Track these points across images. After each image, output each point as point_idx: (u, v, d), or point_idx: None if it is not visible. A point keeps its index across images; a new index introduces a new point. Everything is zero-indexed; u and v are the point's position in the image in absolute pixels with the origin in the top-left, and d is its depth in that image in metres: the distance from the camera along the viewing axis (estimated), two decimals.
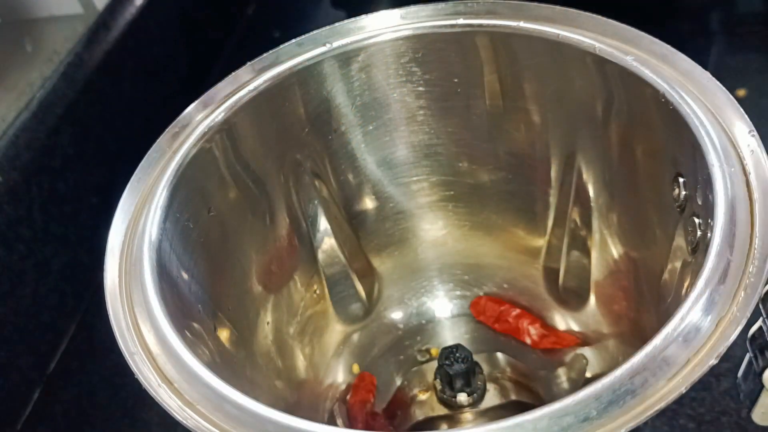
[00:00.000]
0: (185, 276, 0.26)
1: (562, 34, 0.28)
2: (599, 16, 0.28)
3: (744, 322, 0.20)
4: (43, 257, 0.40)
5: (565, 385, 0.33)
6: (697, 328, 0.19)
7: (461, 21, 0.30)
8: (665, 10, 0.53)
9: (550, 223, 0.34)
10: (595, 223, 0.31)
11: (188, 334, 0.24)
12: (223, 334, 0.28)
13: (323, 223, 0.34)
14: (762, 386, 0.26)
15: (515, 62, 0.30)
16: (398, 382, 0.35)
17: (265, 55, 0.30)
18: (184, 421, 0.20)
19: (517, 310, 0.35)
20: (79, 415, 0.39)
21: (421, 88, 0.32)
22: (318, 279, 0.35)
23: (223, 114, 0.28)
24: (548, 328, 0.35)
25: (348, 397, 0.34)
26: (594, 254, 0.32)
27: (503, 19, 0.29)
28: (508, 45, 0.29)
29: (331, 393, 0.34)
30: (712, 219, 0.22)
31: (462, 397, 0.31)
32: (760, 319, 0.26)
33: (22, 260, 0.39)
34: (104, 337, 0.23)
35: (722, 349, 0.19)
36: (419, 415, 0.32)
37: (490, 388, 0.32)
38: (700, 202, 0.24)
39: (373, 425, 0.32)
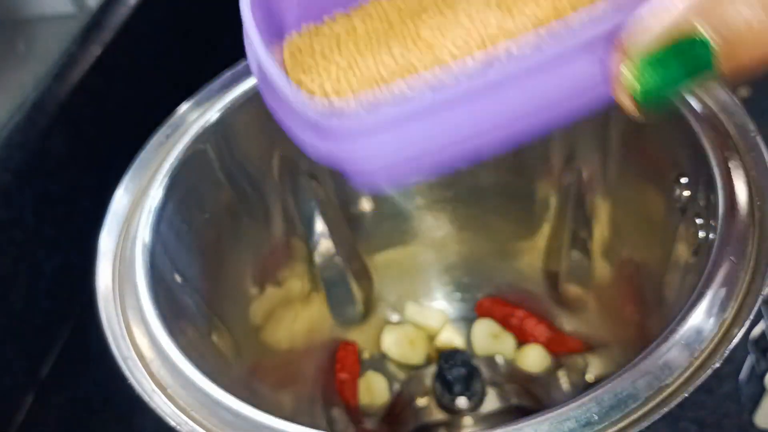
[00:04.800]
0: (179, 279, 0.26)
1: None
2: None
3: (746, 324, 0.19)
4: (36, 260, 0.40)
5: (566, 388, 0.32)
6: (700, 331, 0.19)
7: None
8: None
9: (550, 224, 0.34)
10: (596, 225, 0.31)
11: (182, 338, 0.23)
12: (218, 339, 0.28)
13: (320, 225, 0.33)
14: (764, 389, 0.25)
15: None
16: (396, 386, 0.35)
17: None
18: (179, 427, 0.20)
19: (522, 312, 0.35)
20: (73, 421, 0.38)
21: None
22: (314, 281, 0.35)
23: (217, 114, 0.28)
24: (554, 330, 0.35)
25: (338, 373, 0.34)
26: (594, 256, 0.32)
27: None
28: None
29: (325, 390, 0.34)
30: (714, 220, 0.22)
31: (461, 402, 0.31)
32: (762, 321, 0.25)
33: (14, 263, 0.38)
34: (98, 342, 0.23)
35: (725, 352, 0.19)
36: (418, 420, 0.32)
37: (490, 392, 0.32)
38: (702, 204, 0.24)
39: None
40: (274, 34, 0.19)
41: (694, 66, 0.14)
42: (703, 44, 0.14)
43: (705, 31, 0.14)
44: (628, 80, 0.15)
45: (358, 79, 0.17)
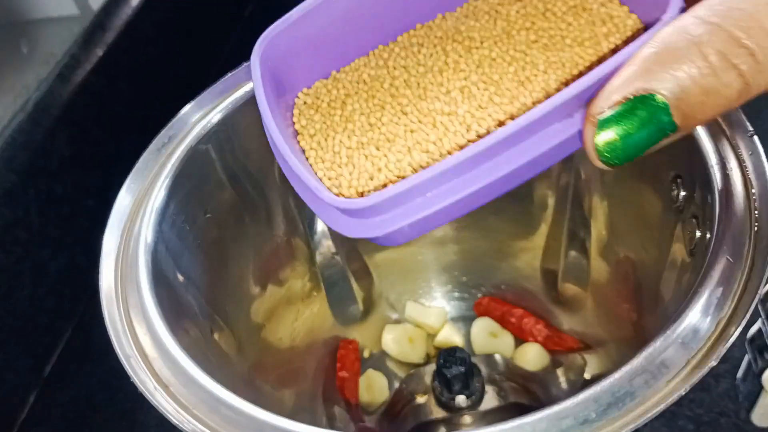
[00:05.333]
0: (181, 279, 0.26)
1: None
2: None
3: (743, 323, 0.19)
4: (40, 259, 0.40)
5: (564, 386, 0.33)
6: (696, 330, 0.19)
7: None
8: None
9: (548, 224, 0.34)
10: (593, 225, 0.31)
11: (184, 337, 0.24)
12: (220, 337, 0.28)
13: (320, 225, 0.34)
14: (761, 387, 0.26)
15: None
16: (396, 384, 0.35)
17: None
18: (181, 425, 0.20)
19: (520, 311, 0.35)
20: (76, 418, 0.39)
21: None
22: (315, 281, 0.35)
23: (219, 115, 0.28)
24: (552, 328, 0.35)
25: (339, 371, 0.34)
26: (592, 255, 0.32)
27: None
28: None
29: (326, 388, 0.34)
30: (711, 220, 0.22)
31: (460, 400, 0.31)
32: (759, 320, 0.26)
33: (18, 262, 0.38)
34: (101, 340, 0.23)
35: (721, 350, 0.19)
36: (418, 417, 0.32)
37: (489, 390, 0.32)
38: (698, 203, 0.24)
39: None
40: (281, 94, 0.22)
41: (650, 122, 0.16)
42: (656, 102, 0.15)
43: (656, 91, 0.15)
44: (590, 137, 0.16)
45: (365, 160, 0.20)
